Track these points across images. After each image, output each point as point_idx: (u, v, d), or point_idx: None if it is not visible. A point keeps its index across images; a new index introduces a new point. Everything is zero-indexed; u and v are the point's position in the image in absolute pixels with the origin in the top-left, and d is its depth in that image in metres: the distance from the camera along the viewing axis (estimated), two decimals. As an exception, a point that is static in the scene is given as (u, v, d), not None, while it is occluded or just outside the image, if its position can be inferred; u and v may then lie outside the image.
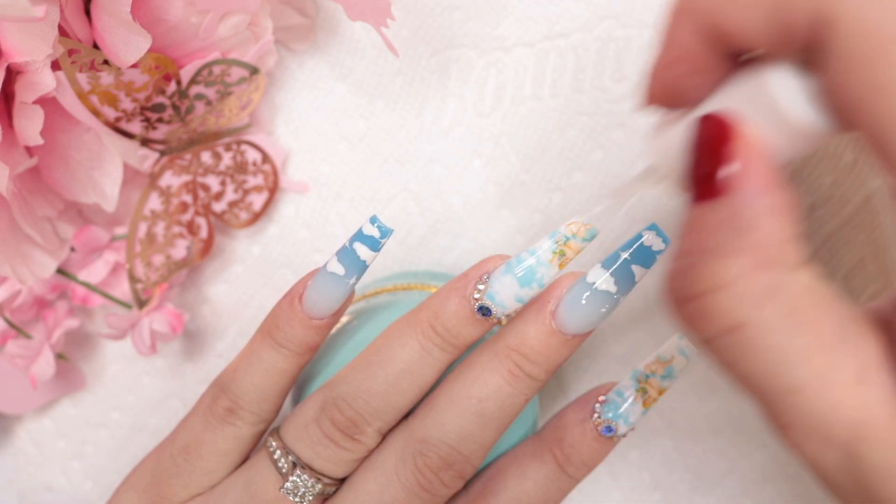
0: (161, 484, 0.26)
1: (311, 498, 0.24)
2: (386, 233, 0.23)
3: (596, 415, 0.25)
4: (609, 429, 0.24)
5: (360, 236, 0.23)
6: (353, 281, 0.24)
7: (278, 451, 0.25)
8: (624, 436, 0.25)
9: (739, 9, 0.15)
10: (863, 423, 0.15)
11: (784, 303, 0.15)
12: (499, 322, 0.24)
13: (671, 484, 0.33)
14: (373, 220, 0.23)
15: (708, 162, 0.16)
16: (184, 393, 0.35)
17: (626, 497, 0.33)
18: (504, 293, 0.23)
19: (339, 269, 0.24)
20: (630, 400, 0.25)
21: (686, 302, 0.16)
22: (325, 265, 0.24)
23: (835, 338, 0.16)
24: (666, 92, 0.18)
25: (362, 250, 0.23)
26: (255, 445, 0.26)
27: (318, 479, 0.24)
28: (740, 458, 0.32)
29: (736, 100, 0.17)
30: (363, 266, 0.24)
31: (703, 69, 0.17)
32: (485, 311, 0.23)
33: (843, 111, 0.14)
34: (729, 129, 0.16)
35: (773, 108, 0.16)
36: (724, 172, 0.16)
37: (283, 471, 0.24)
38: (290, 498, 0.24)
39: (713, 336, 0.16)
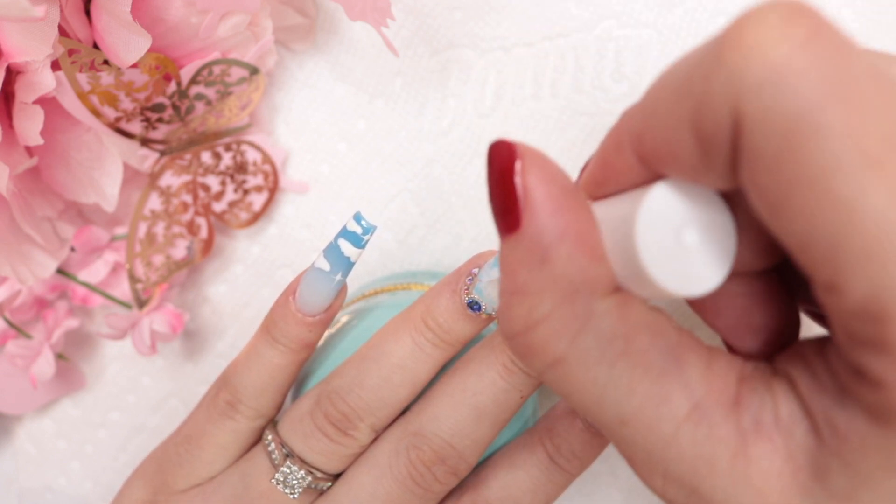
0: (164, 473, 0.26)
1: (301, 490, 0.24)
2: (369, 230, 0.23)
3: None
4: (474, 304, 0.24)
5: (344, 233, 0.23)
6: (339, 277, 0.24)
7: (273, 444, 0.25)
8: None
9: (662, 126, 0.14)
10: (700, 463, 0.14)
11: (598, 333, 0.15)
12: (494, 318, 0.24)
13: (671, 484, 0.33)
14: (357, 217, 0.23)
15: (498, 194, 0.15)
16: (184, 393, 0.35)
17: (626, 497, 0.33)
18: (491, 287, 0.23)
19: (325, 266, 0.24)
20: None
21: (511, 339, 0.16)
22: (313, 262, 0.24)
23: (663, 367, 0.15)
24: (589, 190, 0.17)
25: (346, 247, 0.23)
26: (255, 440, 0.26)
27: (310, 471, 0.24)
28: (740, 458, 0.32)
29: (619, 206, 0.15)
30: (348, 262, 0.24)
31: (623, 178, 0.16)
32: (474, 305, 0.23)
33: (764, 214, 0.13)
34: (510, 155, 0.15)
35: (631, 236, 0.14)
36: (511, 205, 0.15)
37: (276, 462, 0.25)
38: (281, 489, 0.24)
39: (541, 370, 0.15)
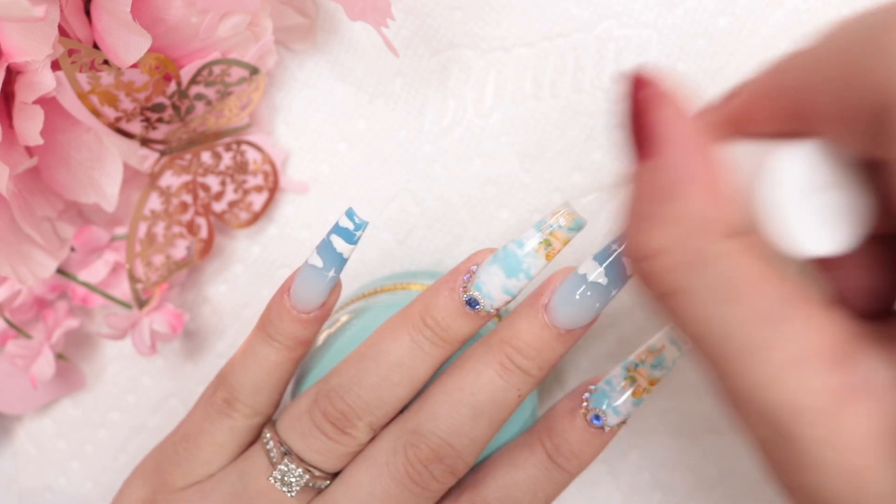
0: (163, 472, 0.26)
1: (298, 488, 0.24)
2: (361, 225, 0.23)
3: (584, 404, 0.25)
4: (597, 417, 0.24)
5: (336, 229, 0.23)
6: (331, 274, 0.24)
7: (271, 442, 0.25)
8: (616, 428, 0.24)
9: (828, 90, 0.14)
10: (797, 409, 0.15)
11: (714, 273, 0.15)
12: (493, 316, 0.24)
13: (671, 484, 0.33)
14: (349, 213, 0.23)
15: (640, 122, 0.16)
16: (184, 393, 0.35)
17: (626, 497, 0.33)
18: (490, 284, 0.23)
19: (318, 262, 0.24)
20: (618, 389, 0.24)
21: (633, 261, 0.16)
22: (307, 259, 0.24)
23: (772, 315, 0.15)
24: (722, 123, 0.17)
25: (339, 243, 0.23)
26: (254, 438, 0.26)
27: (308, 470, 0.24)
28: (740, 458, 0.32)
29: (750, 157, 0.16)
30: (340, 258, 0.24)
31: (768, 131, 0.16)
32: (472, 302, 0.23)
33: None
34: (653, 89, 0.16)
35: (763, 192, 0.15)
36: (642, 135, 0.16)
37: (274, 460, 0.25)
38: (278, 487, 0.24)
39: (657, 297, 0.16)
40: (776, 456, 0.15)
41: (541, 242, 0.23)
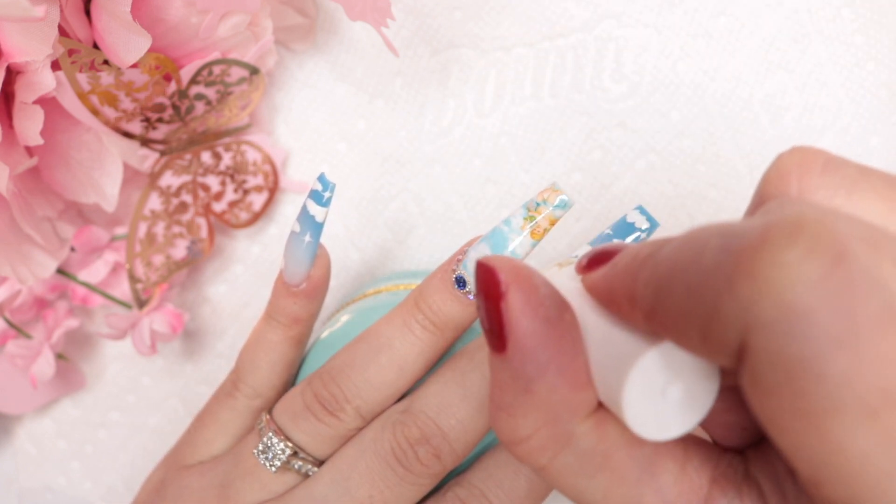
0: (176, 451, 0.27)
1: (279, 463, 0.24)
2: (327, 186, 0.24)
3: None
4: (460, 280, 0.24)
5: (310, 193, 0.24)
6: (308, 238, 0.25)
7: (264, 422, 0.25)
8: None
9: (673, 312, 0.14)
10: None
11: (577, 451, 0.16)
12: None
13: (671, 484, 0.33)
14: (320, 176, 0.24)
15: (485, 315, 0.16)
16: (184, 393, 0.35)
17: (626, 497, 0.33)
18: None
19: (296, 228, 0.25)
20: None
21: (505, 445, 0.17)
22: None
23: (638, 478, 0.16)
24: (593, 294, 0.17)
25: (312, 206, 0.24)
26: (254, 422, 0.27)
27: (295, 452, 0.24)
28: (740, 458, 0.32)
29: (618, 343, 0.16)
30: (314, 222, 0.24)
31: (630, 321, 0.16)
32: (461, 281, 0.23)
33: (757, 414, 0.14)
34: (495, 281, 0.16)
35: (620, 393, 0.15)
36: (496, 331, 0.16)
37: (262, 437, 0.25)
38: (261, 460, 0.25)
39: (531, 470, 0.16)
40: None
41: (525, 219, 0.23)
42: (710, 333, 0.13)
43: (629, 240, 0.22)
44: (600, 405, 0.16)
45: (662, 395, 0.15)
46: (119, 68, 0.26)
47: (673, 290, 0.14)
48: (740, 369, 0.13)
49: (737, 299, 0.12)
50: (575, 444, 0.16)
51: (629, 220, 0.22)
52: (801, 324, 0.12)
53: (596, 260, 0.17)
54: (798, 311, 0.12)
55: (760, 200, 0.16)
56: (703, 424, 0.18)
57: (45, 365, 0.31)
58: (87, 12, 0.26)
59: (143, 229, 0.31)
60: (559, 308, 0.16)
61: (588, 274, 0.17)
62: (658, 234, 0.23)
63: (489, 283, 0.16)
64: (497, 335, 0.16)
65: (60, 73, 0.26)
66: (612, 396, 0.15)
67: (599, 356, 0.16)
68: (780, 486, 0.16)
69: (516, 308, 0.15)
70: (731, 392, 0.17)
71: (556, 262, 0.19)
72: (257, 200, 0.33)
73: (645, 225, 0.22)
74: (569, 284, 0.17)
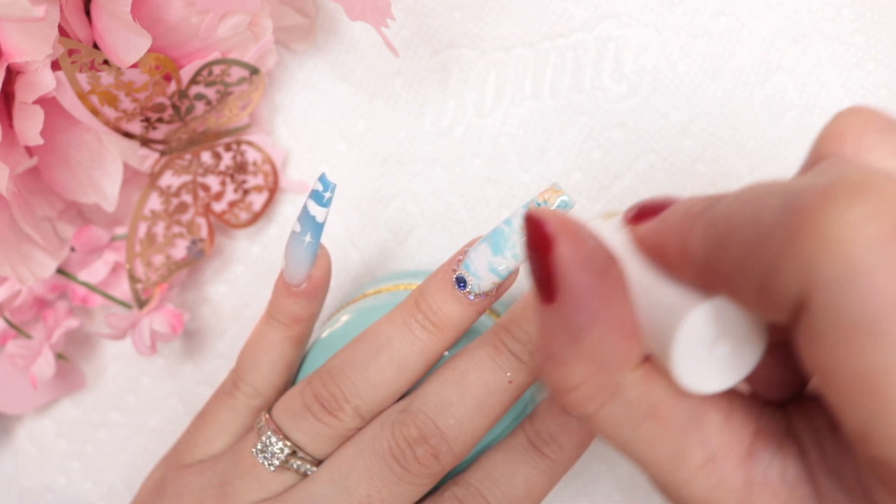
0: (176, 450, 0.27)
1: (278, 462, 0.24)
2: (328, 186, 0.24)
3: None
4: (461, 280, 0.24)
5: (311, 193, 0.24)
6: (308, 239, 0.25)
7: (263, 421, 0.25)
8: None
9: (730, 267, 0.14)
10: None
11: (625, 401, 0.16)
12: (484, 302, 0.24)
13: (671, 484, 0.33)
14: (321, 176, 0.24)
15: (535, 265, 0.16)
16: (184, 393, 0.35)
17: (627, 497, 0.33)
18: (478, 262, 0.23)
19: (297, 228, 0.25)
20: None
21: (553, 395, 0.17)
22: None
23: (684, 427, 0.16)
24: (640, 247, 0.17)
25: (312, 206, 0.24)
26: (254, 422, 0.27)
27: (294, 451, 0.24)
28: (740, 458, 0.32)
29: (668, 296, 0.16)
30: (315, 222, 0.24)
31: (681, 276, 0.16)
32: (461, 281, 0.23)
33: (810, 368, 0.14)
34: (545, 231, 0.16)
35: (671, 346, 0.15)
36: (545, 280, 0.16)
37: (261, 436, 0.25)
38: (259, 459, 0.25)
39: (578, 418, 0.17)
40: None
41: None
42: (767, 289, 0.13)
43: None
44: (647, 357, 0.16)
45: (710, 349, 0.15)
46: (119, 68, 0.26)
47: (729, 246, 0.14)
48: (795, 325, 0.13)
49: (799, 255, 0.13)
50: (622, 395, 0.16)
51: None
52: (862, 282, 0.12)
53: (645, 212, 0.17)
54: (860, 270, 0.12)
55: (814, 159, 0.16)
56: (747, 378, 0.18)
57: (45, 365, 0.31)
58: (87, 12, 0.26)
59: (143, 229, 0.31)
60: (607, 259, 0.16)
61: (637, 226, 0.17)
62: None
63: (538, 234, 0.16)
64: (546, 286, 0.16)
65: (60, 73, 0.26)
66: (660, 349, 0.16)
67: (648, 309, 0.16)
68: (821, 442, 0.16)
69: (566, 258, 0.16)
70: (777, 348, 0.17)
71: (600, 214, 0.19)
72: (257, 200, 0.33)
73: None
74: (615, 237, 0.17)
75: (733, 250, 0.14)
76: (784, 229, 0.13)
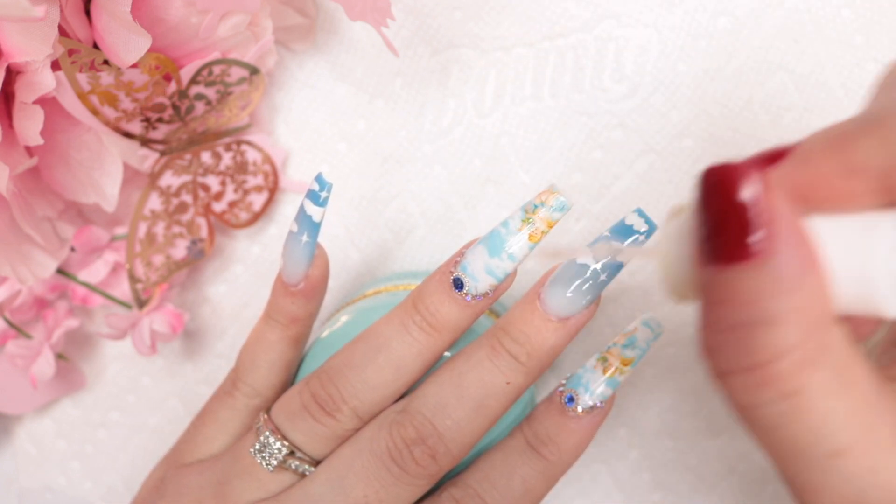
0: (176, 449, 0.28)
1: (276, 462, 0.24)
2: (324, 185, 0.24)
3: (560, 388, 0.25)
4: (570, 399, 0.24)
5: (307, 193, 0.24)
6: (305, 238, 0.25)
7: (262, 421, 0.25)
8: (591, 411, 0.24)
9: None
10: None
11: (833, 364, 0.15)
12: (481, 304, 0.24)
13: (671, 484, 0.33)
14: (317, 176, 0.24)
15: (734, 223, 0.15)
16: (184, 393, 0.35)
17: (627, 497, 0.33)
18: (475, 264, 0.23)
19: (294, 227, 0.25)
20: (591, 370, 0.25)
21: (739, 373, 0.15)
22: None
23: (873, 398, 0.15)
24: (791, 191, 0.16)
25: (309, 206, 0.24)
26: (253, 421, 0.27)
27: (292, 451, 0.24)
28: (740, 459, 0.32)
29: (843, 231, 0.15)
30: (311, 222, 0.24)
31: (847, 203, 0.15)
32: (458, 283, 0.23)
33: None
34: (752, 181, 0.15)
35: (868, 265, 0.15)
36: (755, 234, 0.15)
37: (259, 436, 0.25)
38: (258, 459, 0.25)
39: (763, 403, 0.15)
40: None
41: (523, 221, 0.23)
42: None
43: (627, 242, 0.22)
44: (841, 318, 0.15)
45: None
46: (119, 68, 0.26)
47: None
48: None
49: None
50: (832, 356, 0.15)
51: (628, 222, 0.22)
52: None
53: (767, 159, 0.16)
54: None
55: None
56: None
57: (45, 365, 0.31)
58: (87, 12, 0.26)
59: (143, 229, 0.31)
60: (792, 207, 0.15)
61: (769, 170, 0.16)
62: (657, 236, 0.23)
63: (740, 183, 0.15)
64: (749, 239, 0.14)
65: (60, 73, 0.26)
66: (856, 286, 0.15)
67: (830, 250, 0.15)
68: None
69: (783, 206, 0.15)
70: None
71: (669, 211, 0.18)
72: (257, 200, 0.33)
73: (644, 227, 0.22)
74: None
75: None
76: None
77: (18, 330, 0.32)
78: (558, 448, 0.25)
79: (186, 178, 0.31)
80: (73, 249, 0.31)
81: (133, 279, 0.31)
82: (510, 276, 0.24)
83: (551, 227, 0.23)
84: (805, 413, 0.15)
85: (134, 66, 0.26)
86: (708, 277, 0.15)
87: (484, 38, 0.32)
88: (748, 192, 0.15)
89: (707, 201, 0.15)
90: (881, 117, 0.14)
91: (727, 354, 0.15)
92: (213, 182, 0.32)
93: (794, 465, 0.16)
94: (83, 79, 0.26)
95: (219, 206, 0.32)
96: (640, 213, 0.22)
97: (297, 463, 0.25)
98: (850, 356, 0.15)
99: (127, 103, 0.28)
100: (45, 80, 0.25)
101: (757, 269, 0.15)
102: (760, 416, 0.16)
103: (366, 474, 0.24)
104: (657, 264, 0.18)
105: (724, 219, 0.15)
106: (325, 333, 0.28)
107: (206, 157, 0.31)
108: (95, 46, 0.26)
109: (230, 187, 0.32)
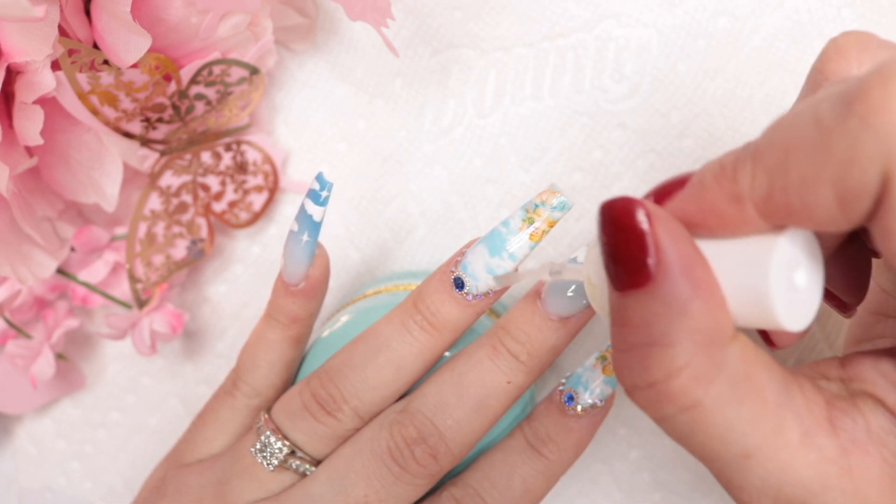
0: (177, 449, 0.28)
1: (276, 462, 0.24)
2: (325, 185, 0.24)
3: (560, 388, 0.25)
4: (570, 398, 0.24)
5: (308, 192, 0.24)
6: (305, 238, 0.25)
7: (262, 421, 0.25)
8: (591, 410, 0.24)
9: (797, 186, 0.15)
10: (814, 483, 0.16)
11: (726, 378, 0.16)
12: (482, 304, 0.24)
13: (671, 484, 0.33)
14: (318, 175, 0.24)
15: (625, 250, 0.16)
16: (184, 393, 0.35)
17: (626, 497, 0.33)
18: (475, 263, 0.23)
19: (295, 227, 0.25)
20: (590, 369, 0.25)
21: (642, 389, 0.17)
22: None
23: (776, 403, 0.16)
24: (686, 219, 0.17)
25: (309, 205, 0.24)
26: (253, 421, 0.27)
27: (293, 451, 0.24)
28: (740, 458, 0.32)
29: (737, 254, 0.16)
30: (312, 221, 0.25)
31: (736, 228, 0.16)
32: (458, 282, 0.23)
33: (888, 253, 0.14)
34: (634, 214, 0.16)
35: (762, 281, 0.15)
36: (644, 261, 0.16)
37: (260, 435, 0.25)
38: (258, 459, 0.25)
39: (669, 416, 0.17)
40: None
41: (523, 220, 0.23)
42: (847, 183, 0.14)
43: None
44: (737, 332, 0.16)
45: (792, 284, 0.16)
46: (119, 68, 0.26)
47: (794, 163, 0.14)
48: (874, 219, 0.14)
49: (874, 131, 0.13)
50: (727, 370, 0.16)
51: None
52: None
53: (667, 190, 0.18)
54: None
55: (816, 81, 0.17)
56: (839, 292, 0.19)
57: (45, 365, 0.31)
58: (87, 12, 0.26)
59: (143, 229, 0.31)
60: (690, 236, 0.16)
61: (665, 204, 0.17)
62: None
63: (629, 216, 0.16)
64: (641, 268, 0.16)
65: (60, 73, 0.26)
66: (752, 303, 0.16)
67: (725, 272, 0.16)
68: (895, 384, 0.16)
69: (665, 234, 0.16)
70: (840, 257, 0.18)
71: (591, 241, 0.20)
72: (257, 200, 0.33)
73: None
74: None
75: (800, 164, 0.14)
76: (852, 117, 0.13)
77: (18, 330, 0.32)
78: (558, 447, 0.25)
79: (186, 178, 0.31)
80: (73, 249, 0.31)
81: (133, 279, 0.31)
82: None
83: (552, 226, 0.23)
84: (706, 423, 0.16)
85: (134, 66, 0.26)
86: (612, 301, 0.17)
87: (484, 38, 0.32)
88: (635, 223, 0.16)
89: (603, 233, 0.16)
90: (759, 148, 0.15)
91: (631, 372, 0.17)
92: (213, 182, 0.32)
93: (714, 467, 0.17)
94: (83, 79, 0.26)
95: (219, 206, 0.32)
96: None
97: (297, 463, 0.25)
98: (749, 367, 0.16)
99: (127, 103, 0.28)
100: (45, 80, 0.25)
101: (647, 295, 0.16)
102: (670, 427, 0.17)
103: (366, 474, 0.24)
104: (586, 286, 0.20)
105: (617, 249, 0.16)
106: (325, 333, 0.28)
107: (206, 157, 0.31)
108: (95, 46, 0.26)
109: (230, 187, 0.32)
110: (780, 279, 0.15)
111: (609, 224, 0.16)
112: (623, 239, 0.16)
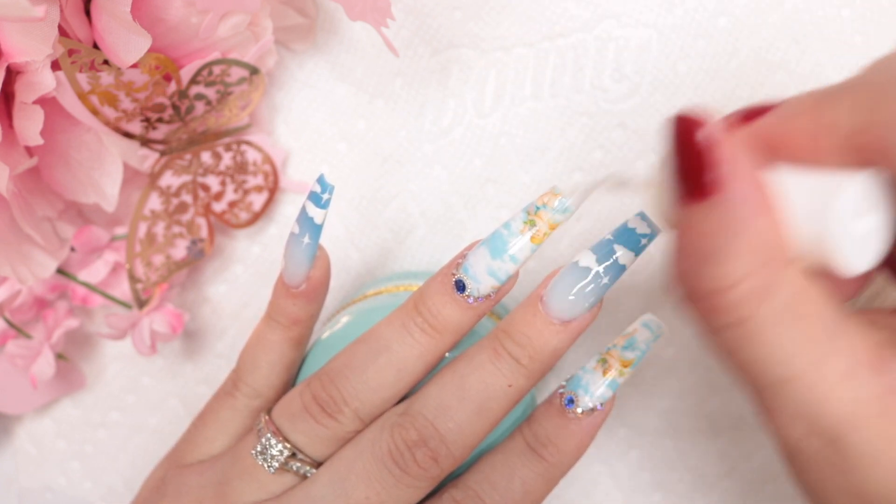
0: (177, 449, 0.28)
1: (277, 464, 0.24)
2: (326, 187, 0.24)
3: (560, 390, 0.25)
4: (570, 401, 0.24)
5: (309, 195, 0.24)
6: (306, 240, 0.25)
7: (262, 422, 0.25)
8: (592, 413, 0.24)
9: (881, 128, 0.15)
10: (851, 417, 0.16)
11: (781, 299, 0.16)
12: (483, 305, 0.24)
13: (671, 484, 0.33)
14: (319, 178, 0.24)
15: (692, 164, 0.17)
16: (184, 393, 0.35)
17: (626, 497, 0.33)
18: (477, 265, 0.23)
19: (296, 229, 0.25)
20: (591, 371, 0.25)
21: (697, 300, 0.17)
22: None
23: (826, 334, 0.17)
24: (757, 146, 0.18)
25: (310, 208, 0.24)
26: (254, 422, 0.27)
27: (293, 453, 0.24)
28: (740, 458, 0.33)
29: (810, 183, 0.17)
30: (313, 224, 0.24)
31: (818, 158, 0.17)
32: (460, 285, 0.23)
33: None
34: (708, 130, 0.16)
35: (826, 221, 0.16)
36: (709, 175, 0.16)
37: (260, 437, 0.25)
38: (259, 461, 0.25)
39: (720, 328, 0.17)
40: (824, 465, 0.17)
41: (525, 222, 0.23)
42: None
43: (639, 255, 0.23)
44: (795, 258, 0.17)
45: (857, 225, 0.16)
46: (119, 68, 0.26)
47: (890, 102, 0.15)
48: None
49: None
50: (781, 292, 0.16)
51: (630, 225, 0.22)
52: None
53: (752, 114, 0.18)
54: None
55: None
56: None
57: (45, 365, 0.31)
58: (87, 12, 0.26)
59: (143, 229, 0.31)
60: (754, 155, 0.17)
61: (748, 125, 0.18)
62: (657, 240, 0.23)
63: (705, 130, 0.16)
64: (704, 180, 0.16)
65: (60, 73, 0.26)
66: (814, 236, 0.16)
67: (794, 199, 0.17)
68: None
69: (737, 149, 0.16)
70: None
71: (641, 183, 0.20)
72: (257, 200, 0.33)
73: (647, 230, 0.22)
74: None
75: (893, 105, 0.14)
76: None
77: (18, 330, 0.32)
78: (558, 450, 0.25)
79: (186, 178, 0.31)
80: (73, 249, 0.31)
81: (133, 279, 0.31)
82: (512, 278, 0.24)
83: (554, 228, 0.23)
84: (754, 340, 0.17)
85: (134, 66, 0.26)
86: (677, 212, 0.17)
87: (484, 38, 0.32)
88: (703, 138, 0.16)
89: (673, 146, 0.17)
90: (857, 84, 0.16)
91: (689, 280, 0.17)
92: (213, 182, 0.32)
93: (752, 387, 0.17)
94: (83, 79, 0.26)
95: (219, 206, 0.32)
96: (643, 217, 0.22)
97: (298, 464, 0.24)
98: (804, 292, 0.17)
99: (127, 103, 0.28)
100: (45, 80, 0.25)
101: (709, 208, 0.16)
102: (719, 341, 0.17)
103: (367, 476, 0.24)
104: (650, 196, 0.20)
105: (684, 162, 0.17)
106: (325, 334, 0.28)
107: (206, 157, 0.31)
108: (95, 46, 0.26)
109: (230, 187, 0.32)
110: (845, 215, 0.16)
111: (677, 137, 0.17)
112: (689, 152, 0.16)
